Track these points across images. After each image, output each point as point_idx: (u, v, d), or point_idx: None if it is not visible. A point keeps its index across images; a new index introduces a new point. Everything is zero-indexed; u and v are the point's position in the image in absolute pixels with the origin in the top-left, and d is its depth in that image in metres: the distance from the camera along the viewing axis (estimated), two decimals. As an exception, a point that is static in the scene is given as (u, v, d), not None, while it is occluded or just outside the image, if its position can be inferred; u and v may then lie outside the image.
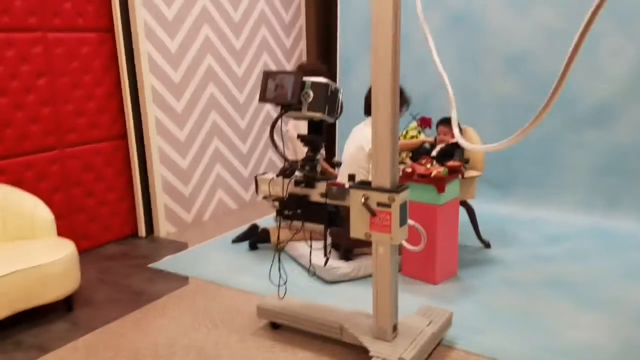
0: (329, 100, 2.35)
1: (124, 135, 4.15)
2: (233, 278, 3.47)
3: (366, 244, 3.51)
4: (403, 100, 3.53)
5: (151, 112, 4.15)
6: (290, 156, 3.84)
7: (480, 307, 3.00)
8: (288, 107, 2.37)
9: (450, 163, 3.37)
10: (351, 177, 2.36)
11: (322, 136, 2.46)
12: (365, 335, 2.45)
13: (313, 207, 2.45)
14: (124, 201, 4.21)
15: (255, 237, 3.96)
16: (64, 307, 3.13)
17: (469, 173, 3.65)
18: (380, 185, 2.25)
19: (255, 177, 2.61)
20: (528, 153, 4.69)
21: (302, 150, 3.68)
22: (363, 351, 2.47)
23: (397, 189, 2.22)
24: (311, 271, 3.42)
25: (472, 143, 3.74)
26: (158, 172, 4.26)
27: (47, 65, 3.62)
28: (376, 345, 2.37)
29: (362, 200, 2.24)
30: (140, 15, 3.98)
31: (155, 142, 4.21)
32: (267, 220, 4.64)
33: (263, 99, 2.39)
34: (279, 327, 2.86)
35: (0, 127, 3.42)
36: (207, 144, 4.68)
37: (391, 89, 2.15)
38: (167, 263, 3.77)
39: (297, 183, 2.46)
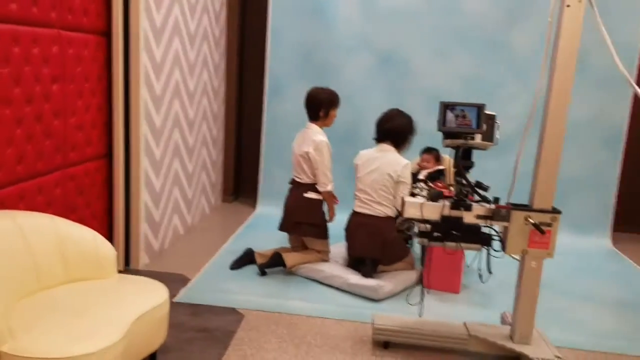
0: (495, 131, 2.68)
1: (106, 155, 3.61)
2: (284, 305, 3.39)
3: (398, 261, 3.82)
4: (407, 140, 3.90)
5: (142, 129, 3.70)
6: (302, 174, 3.88)
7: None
8: (466, 136, 2.61)
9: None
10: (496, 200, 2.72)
11: (473, 162, 2.76)
12: (505, 342, 2.81)
13: (464, 228, 2.72)
14: (101, 230, 3.64)
15: (266, 263, 3.85)
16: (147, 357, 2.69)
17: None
18: (542, 207, 2.67)
19: (403, 199, 2.74)
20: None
21: (308, 167, 3.81)
22: (487, 358, 2.83)
23: (555, 210, 2.66)
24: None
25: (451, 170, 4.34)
26: (142, 197, 3.80)
27: (62, 69, 3.01)
28: (526, 348, 2.75)
29: (531, 221, 2.63)
30: (142, 21, 3.56)
31: (143, 164, 3.76)
32: (257, 244, 4.50)
33: (445, 128, 2.59)
34: (389, 346, 2.98)
35: (23, 142, 2.73)
36: (171, 164, 4.31)
37: (561, 127, 2.60)
38: (190, 296, 3.43)
39: (454, 206, 2.69)
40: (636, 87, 2.41)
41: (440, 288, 3.82)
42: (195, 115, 4.80)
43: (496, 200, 2.75)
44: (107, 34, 3.46)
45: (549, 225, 2.65)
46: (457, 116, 2.61)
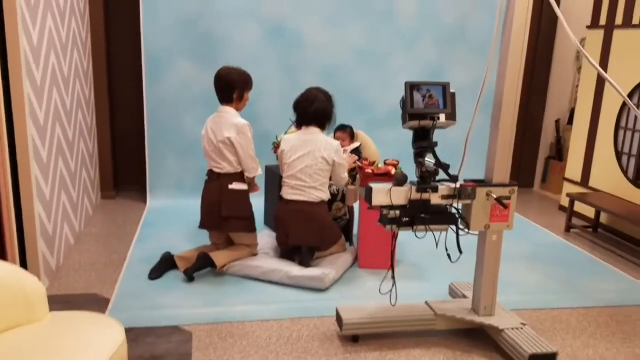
0: (455, 109, 2.62)
1: (-15, 163, 2.92)
2: (231, 312, 3.09)
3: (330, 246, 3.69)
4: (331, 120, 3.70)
5: (29, 130, 3.05)
6: (223, 162, 3.52)
7: (461, 275, 3.67)
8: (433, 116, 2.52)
9: (390, 161, 3.86)
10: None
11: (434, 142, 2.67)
12: (471, 316, 2.85)
13: (432, 210, 2.66)
14: (-10, 256, 2.98)
15: (192, 267, 3.46)
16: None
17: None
18: (500, 182, 2.70)
19: (369, 187, 2.59)
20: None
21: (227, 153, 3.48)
22: (454, 333, 2.89)
23: (512, 183, 2.71)
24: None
25: (367, 145, 4.29)
26: (36, 212, 3.16)
27: None
28: (492, 320, 2.81)
29: (493, 196, 2.65)
30: (18, -4, 2.89)
31: (33, 172, 3.12)
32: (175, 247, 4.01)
33: (414, 109, 2.46)
34: (358, 339, 2.86)
35: None
36: (56, 165, 3.66)
37: (515, 102, 2.64)
38: (119, 319, 2.95)
39: (419, 189, 2.61)
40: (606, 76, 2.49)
41: (374, 266, 3.79)
42: (71, 103, 4.12)
43: (454, 178, 2.73)
44: (-27, 12, 2.75)
45: (508, 198, 2.70)
46: (423, 96, 2.50)
